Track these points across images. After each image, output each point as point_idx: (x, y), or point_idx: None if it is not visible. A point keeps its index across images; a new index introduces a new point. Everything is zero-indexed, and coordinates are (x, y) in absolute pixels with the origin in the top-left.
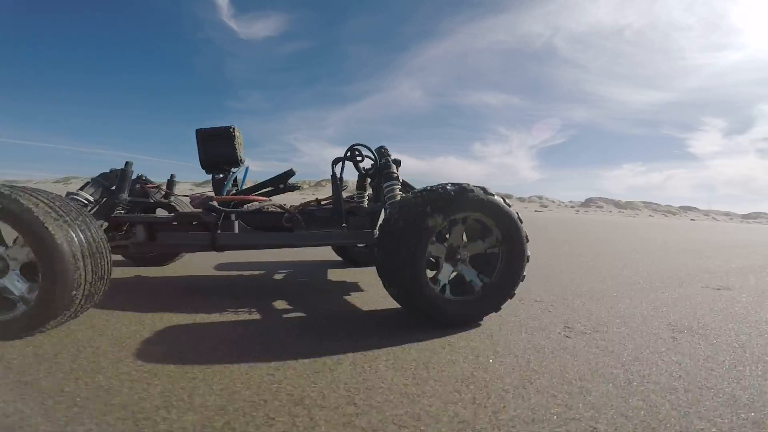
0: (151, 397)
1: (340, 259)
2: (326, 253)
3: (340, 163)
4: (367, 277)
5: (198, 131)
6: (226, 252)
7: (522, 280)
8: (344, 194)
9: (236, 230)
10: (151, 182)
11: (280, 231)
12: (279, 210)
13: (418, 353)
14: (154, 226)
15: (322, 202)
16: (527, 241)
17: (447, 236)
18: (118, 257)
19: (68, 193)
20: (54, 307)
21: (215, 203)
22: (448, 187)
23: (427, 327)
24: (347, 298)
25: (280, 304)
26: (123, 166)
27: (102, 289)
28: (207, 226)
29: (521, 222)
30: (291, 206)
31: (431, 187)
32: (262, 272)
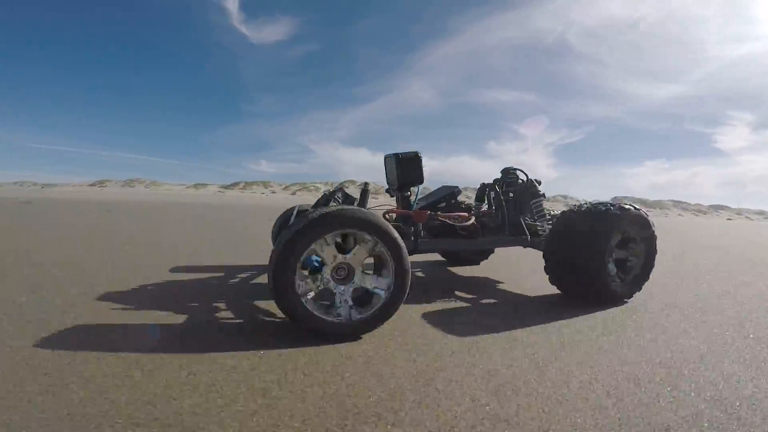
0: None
1: (442, 259)
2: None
3: (499, 184)
4: (492, 273)
5: (395, 156)
6: None
7: (652, 268)
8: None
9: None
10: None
11: (460, 238)
12: (456, 222)
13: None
14: None
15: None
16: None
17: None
18: None
19: (300, 210)
20: (402, 294)
21: (446, 220)
22: (611, 209)
23: (571, 305)
24: (501, 287)
25: (463, 294)
26: (364, 186)
27: None
28: (406, 234)
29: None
30: (462, 216)
31: (610, 204)
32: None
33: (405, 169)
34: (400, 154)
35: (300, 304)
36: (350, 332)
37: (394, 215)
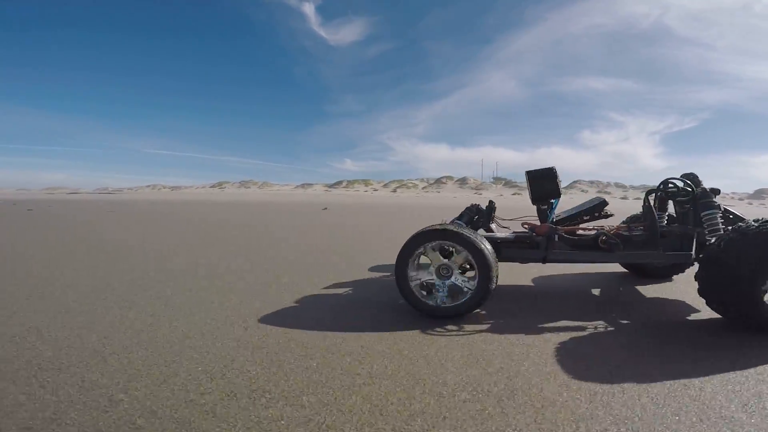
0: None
1: (624, 270)
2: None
3: (654, 194)
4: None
5: (527, 173)
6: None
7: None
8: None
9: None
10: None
11: (597, 250)
12: (595, 233)
13: None
14: (500, 243)
15: (635, 227)
16: None
17: None
18: None
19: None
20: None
21: (561, 232)
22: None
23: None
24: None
25: (629, 314)
26: (488, 204)
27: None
28: (537, 244)
29: None
30: (608, 229)
31: None
32: (580, 285)
33: (536, 185)
34: (532, 171)
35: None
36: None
37: (526, 226)
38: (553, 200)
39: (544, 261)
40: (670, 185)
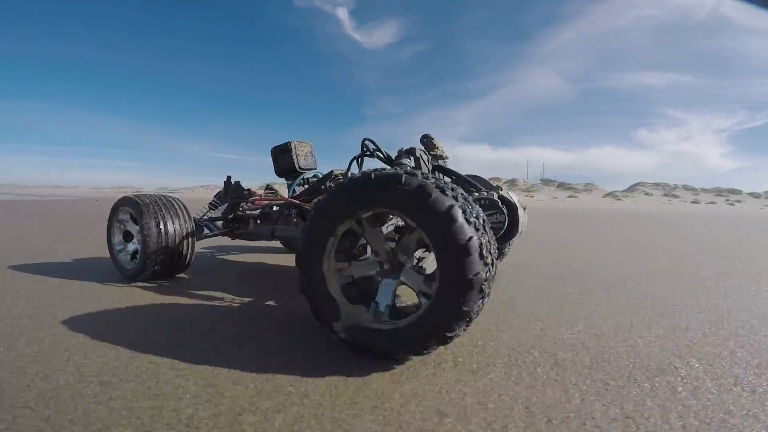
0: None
1: None
2: None
3: (356, 160)
4: None
5: (272, 149)
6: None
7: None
8: None
9: (293, 224)
10: (273, 189)
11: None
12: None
13: None
14: (255, 220)
15: None
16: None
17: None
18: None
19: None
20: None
21: (245, 202)
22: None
23: None
24: None
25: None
26: (225, 180)
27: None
28: (275, 220)
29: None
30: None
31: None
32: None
33: (275, 159)
34: (275, 146)
35: None
36: None
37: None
38: (305, 175)
39: (273, 236)
40: (365, 147)
